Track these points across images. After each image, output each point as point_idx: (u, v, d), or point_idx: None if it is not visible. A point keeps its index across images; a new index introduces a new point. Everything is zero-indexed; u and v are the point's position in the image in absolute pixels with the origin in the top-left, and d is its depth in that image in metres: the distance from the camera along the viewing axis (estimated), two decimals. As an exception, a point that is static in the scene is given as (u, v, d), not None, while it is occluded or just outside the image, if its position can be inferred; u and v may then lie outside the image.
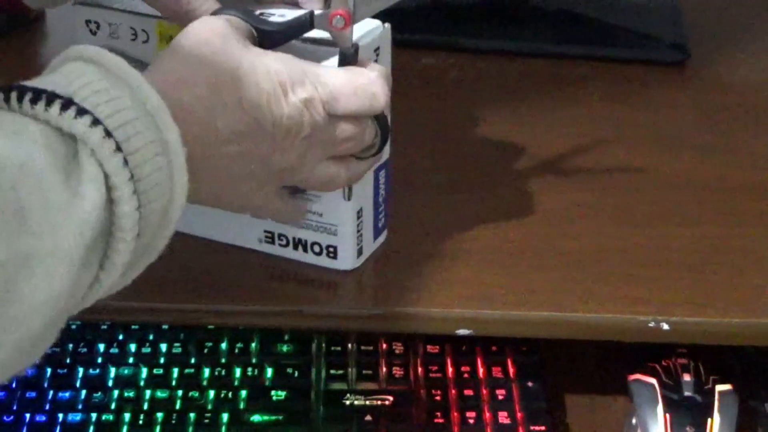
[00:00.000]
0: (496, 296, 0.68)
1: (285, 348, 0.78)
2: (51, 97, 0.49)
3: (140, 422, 0.73)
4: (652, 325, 0.66)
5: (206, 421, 0.73)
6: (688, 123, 0.89)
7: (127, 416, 0.73)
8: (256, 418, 0.73)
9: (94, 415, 0.73)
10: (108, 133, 0.50)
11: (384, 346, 0.78)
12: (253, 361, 0.77)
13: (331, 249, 0.69)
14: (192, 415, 0.73)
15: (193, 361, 0.77)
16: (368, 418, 0.73)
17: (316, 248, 0.70)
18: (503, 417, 0.73)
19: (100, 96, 0.50)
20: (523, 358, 0.77)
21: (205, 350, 0.78)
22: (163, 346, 0.78)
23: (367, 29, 0.65)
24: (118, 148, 0.50)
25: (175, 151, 0.52)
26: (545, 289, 0.68)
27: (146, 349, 0.78)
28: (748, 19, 1.08)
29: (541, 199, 0.77)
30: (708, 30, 1.03)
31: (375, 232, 0.71)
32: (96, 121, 0.49)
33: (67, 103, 0.49)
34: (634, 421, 0.73)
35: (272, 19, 0.63)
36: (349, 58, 0.62)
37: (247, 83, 0.58)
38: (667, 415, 0.71)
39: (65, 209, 0.48)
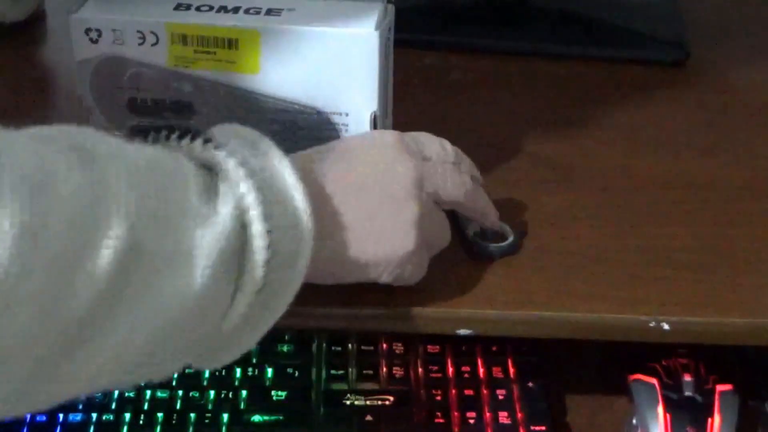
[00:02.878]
0: (496, 296, 0.68)
1: (285, 348, 0.78)
2: (196, 134, 0.54)
3: (140, 422, 0.73)
4: (652, 325, 0.66)
5: (206, 421, 0.73)
6: (688, 123, 0.89)
7: (127, 416, 0.73)
8: (256, 418, 0.73)
9: (94, 415, 0.73)
10: (251, 173, 0.52)
11: (384, 346, 0.78)
12: (253, 361, 0.77)
13: None
14: (192, 415, 0.73)
15: (193, 361, 0.77)
16: (368, 418, 0.73)
17: None
18: (503, 417, 0.73)
19: (249, 161, 0.53)
20: (523, 358, 0.78)
21: (206, 350, 0.78)
22: (164, 346, 0.78)
23: (376, 10, 0.66)
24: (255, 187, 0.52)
25: (305, 231, 0.54)
26: (545, 289, 0.68)
27: (146, 349, 0.78)
28: (748, 19, 1.08)
29: (541, 198, 0.77)
30: (708, 30, 1.03)
31: None
32: (242, 163, 0.53)
33: (213, 144, 0.53)
34: (634, 421, 0.73)
35: None
36: None
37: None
38: (668, 415, 0.71)
39: (200, 214, 0.50)
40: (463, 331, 0.67)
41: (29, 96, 0.92)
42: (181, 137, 0.54)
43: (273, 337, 0.78)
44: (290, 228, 0.53)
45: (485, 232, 0.71)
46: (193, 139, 0.53)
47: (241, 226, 0.51)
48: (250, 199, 0.52)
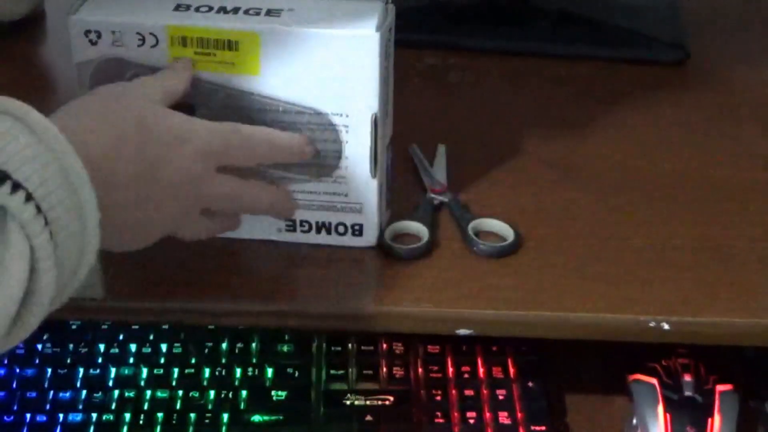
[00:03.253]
0: (496, 296, 0.68)
1: (285, 348, 0.78)
2: None
3: (140, 422, 0.73)
4: (652, 325, 0.66)
5: (206, 421, 0.73)
6: (688, 123, 0.89)
7: (127, 416, 0.73)
8: (256, 418, 0.73)
9: (94, 415, 0.73)
10: (38, 209, 0.51)
11: (384, 346, 0.78)
12: (253, 361, 0.77)
13: (357, 227, 0.70)
14: (192, 415, 0.73)
15: (193, 361, 0.77)
16: (368, 418, 0.73)
17: (341, 228, 0.70)
18: (504, 417, 0.73)
19: (32, 165, 0.52)
20: (524, 358, 0.78)
21: (205, 350, 0.78)
22: (163, 346, 0.78)
23: (376, 11, 0.66)
24: (46, 222, 0.52)
25: (90, 217, 0.55)
26: (545, 289, 0.68)
27: (146, 349, 0.78)
28: (748, 19, 1.08)
29: (541, 198, 0.77)
30: (708, 30, 1.03)
31: (387, 206, 0.72)
32: (29, 197, 0.51)
33: (2, 177, 0.51)
34: (634, 421, 0.73)
35: None
36: None
37: (148, 138, 0.61)
38: (668, 415, 0.71)
39: None
40: (463, 331, 0.67)
41: (29, 96, 0.92)
42: None
43: (273, 337, 0.78)
44: (72, 251, 0.54)
45: (485, 232, 0.71)
46: None
47: (30, 274, 0.51)
48: (43, 254, 0.51)
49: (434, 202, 0.75)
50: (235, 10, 0.67)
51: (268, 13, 0.67)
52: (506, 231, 0.72)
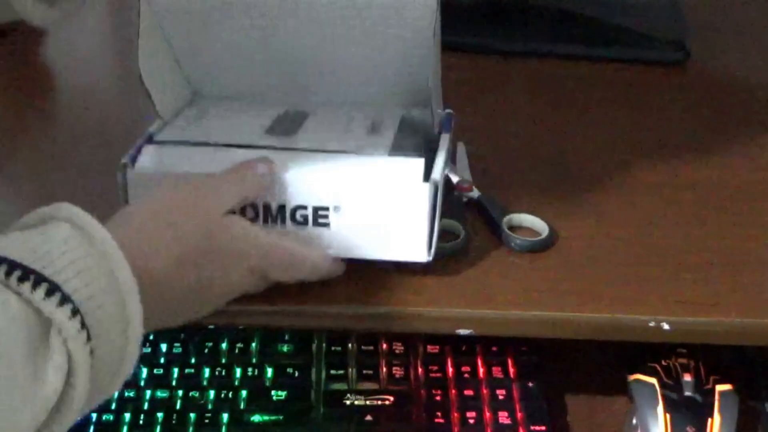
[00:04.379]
0: (496, 296, 0.68)
1: (285, 348, 0.78)
2: (38, 279, 0.51)
3: (140, 422, 0.73)
4: (652, 325, 0.66)
5: (206, 421, 0.73)
6: (688, 123, 0.89)
7: (127, 416, 0.73)
8: (256, 418, 0.73)
9: (94, 415, 0.73)
10: (83, 324, 0.52)
11: (384, 346, 0.78)
12: (253, 361, 0.77)
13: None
14: (192, 415, 0.73)
15: (193, 361, 0.77)
16: (368, 418, 0.73)
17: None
18: (503, 417, 0.73)
19: (82, 278, 0.52)
20: (523, 358, 0.77)
21: (205, 350, 0.78)
22: (163, 346, 0.78)
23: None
24: (88, 337, 0.52)
25: (134, 332, 0.55)
26: (545, 289, 0.68)
27: (146, 349, 0.78)
28: (748, 19, 1.08)
29: (541, 198, 0.77)
30: (708, 30, 1.03)
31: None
32: (75, 311, 0.51)
33: (52, 289, 0.51)
34: (634, 421, 0.73)
35: None
36: None
37: (211, 257, 0.62)
38: (668, 415, 0.71)
39: (27, 390, 0.49)
40: (463, 331, 0.67)
41: (30, 96, 0.92)
42: (21, 279, 0.51)
43: (273, 337, 0.78)
44: (111, 363, 0.54)
45: (519, 226, 0.73)
46: (35, 285, 0.51)
47: (65, 386, 0.52)
48: (81, 370, 0.52)
49: (463, 199, 0.75)
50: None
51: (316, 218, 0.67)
52: (541, 226, 0.73)
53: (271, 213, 0.67)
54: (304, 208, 0.67)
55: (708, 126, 0.88)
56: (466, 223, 0.73)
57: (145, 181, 0.67)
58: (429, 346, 0.78)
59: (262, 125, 0.72)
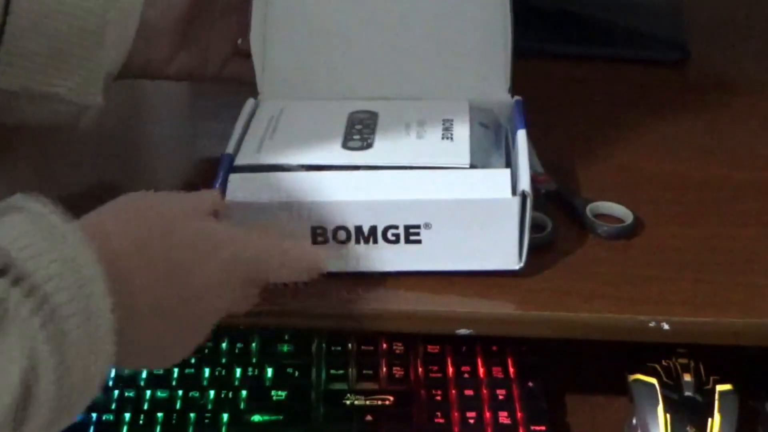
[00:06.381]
0: (496, 296, 0.68)
1: (285, 348, 0.78)
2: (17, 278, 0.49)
3: (140, 422, 0.73)
4: (652, 325, 0.66)
5: (206, 421, 0.73)
6: (688, 123, 0.89)
7: (127, 416, 0.73)
8: (256, 418, 0.73)
9: (94, 415, 0.73)
10: (41, 306, 0.49)
11: (384, 346, 0.78)
12: (253, 361, 0.77)
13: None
14: (192, 415, 0.73)
15: (193, 361, 0.77)
16: (368, 418, 0.73)
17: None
18: (503, 417, 0.73)
19: (40, 259, 0.50)
20: (523, 358, 0.77)
21: (206, 350, 0.78)
22: (163, 346, 0.78)
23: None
24: (51, 320, 0.50)
25: (102, 319, 0.52)
26: (545, 289, 0.68)
27: (146, 349, 0.78)
28: (748, 19, 1.08)
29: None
30: (708, 30, 1.03)
31: None
32: (31, 290, 0.49)
33: (4, 269, 0.49)
34: (634, 421, 0.73)
35: None
36: None
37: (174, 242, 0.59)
38: (668, 415, 0.71)
39: None
40: (463, 331, 0.67)
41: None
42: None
43: (273, 337, 0.78)
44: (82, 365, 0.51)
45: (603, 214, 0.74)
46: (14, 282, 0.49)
47: (27, 387, 0.49)
48: (44, 354, 0.49)
49: (541, 191, 0.75)
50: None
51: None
52: (625, 214, 0.74)
53: (363, 234, 0.67)
54: (396, 227, 0.67)
55: (708, 126, 0.88)
56: (552, 215, 0.73)
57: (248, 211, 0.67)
58: (429, 346, 0.78)
59: (336, 135, 0.71)
